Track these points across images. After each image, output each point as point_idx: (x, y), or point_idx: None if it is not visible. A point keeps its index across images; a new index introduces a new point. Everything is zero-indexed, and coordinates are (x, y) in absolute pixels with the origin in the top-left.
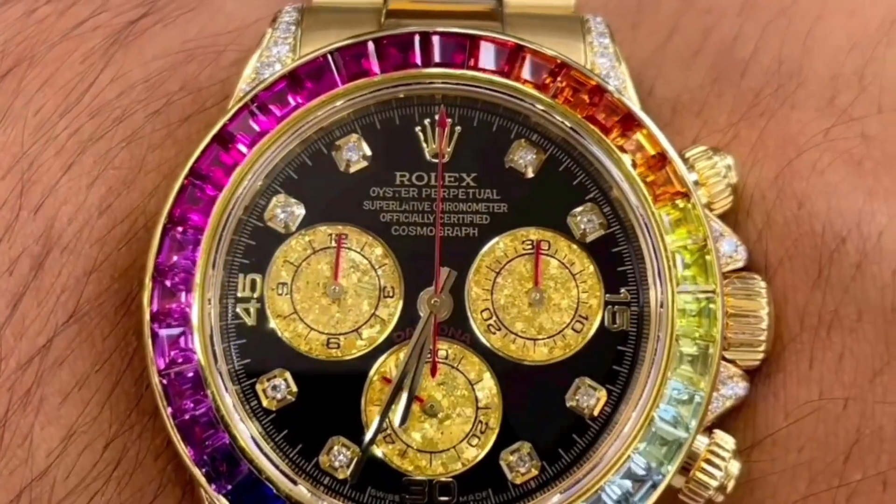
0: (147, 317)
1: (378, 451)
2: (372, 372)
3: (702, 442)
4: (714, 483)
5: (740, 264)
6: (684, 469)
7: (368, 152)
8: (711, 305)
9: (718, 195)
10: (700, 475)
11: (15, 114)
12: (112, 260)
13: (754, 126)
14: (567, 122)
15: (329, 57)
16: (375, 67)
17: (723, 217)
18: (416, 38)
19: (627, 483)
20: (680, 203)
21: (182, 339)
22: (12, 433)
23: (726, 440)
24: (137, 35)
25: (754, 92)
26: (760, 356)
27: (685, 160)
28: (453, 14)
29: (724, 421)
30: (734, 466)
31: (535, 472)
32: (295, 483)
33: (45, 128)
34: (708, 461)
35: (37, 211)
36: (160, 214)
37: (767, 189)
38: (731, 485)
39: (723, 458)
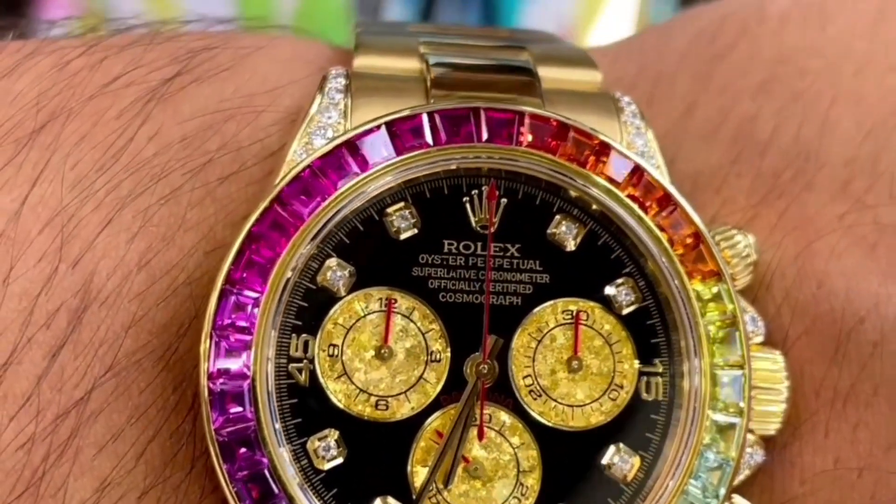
0: (204, 378)
1: None
2: (420, 433)
3: None
4: None
5: (759, 339)
6: None
7: (418, 220)
8: (741, 378)
9: (739, 273)
10: None
11: (53, 168)
12: (151, 315)
13: (773, 207)
14: (608, 198)
15: (384, 128)
16: (429, 139)
17: (741, 293)
18: (468, 114)
19: None
20: (711, 281)
21: (239, 397)
22: (47, 484)
23: None
24: (173, 93)
25: (773, 173)
26: (777, 426)
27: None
28: (495, 85)
29: (741, 488)
30: None
31: None
32: None
33: (83, 183)
34: None
35: (75, 265)
36: (218, 274)
37: (787, 268)
38: None
39: None
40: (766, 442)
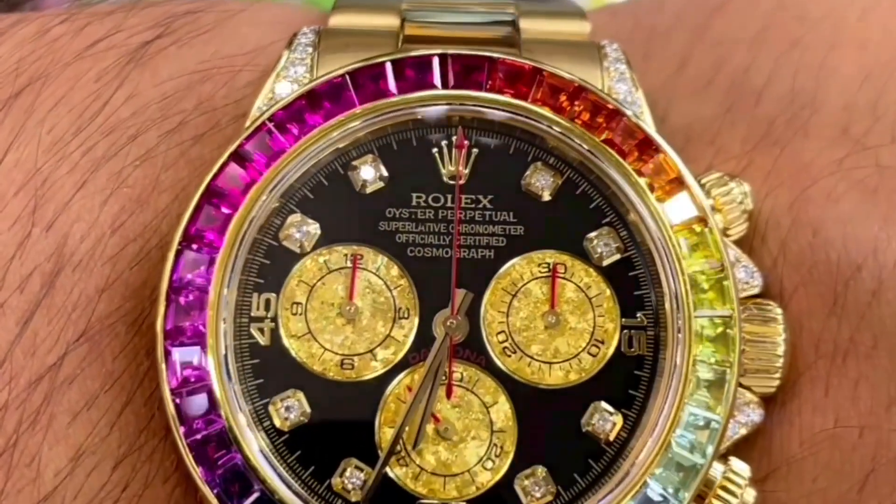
0: (160, 335)
1: (391, 474)
2: (387, 393)
3: (717, 469)
4: None
5: (756, 291)
6: (699, 497)
7: (385, 173)
8: (729, 331)
9: (734, 221)
10: (716, 503)
11: (28, 132)
12: (124, 279)
13: (768, 154)
14: (584, 145)
15: (347, 77)
16: (393, 88)
17: (738, 243)
18: (435, 60)
19: None
20: (697, 228)
21: (195, 358)
22: (21, 452)
23: (742, 468)
24: (152, 55)
25: (768, 120)
26: (776, 383)
27: (701, 185)
28: (470, 41)
29: (740, 449)
30: (749, 495)
31: (549, 497)
32: None
33: (58, 146)
34: (724, 488)
35: (49, 228)
36: (175, 232)
37: (782, 216)
38: None
39: (738, 486)
40: (766, 401)
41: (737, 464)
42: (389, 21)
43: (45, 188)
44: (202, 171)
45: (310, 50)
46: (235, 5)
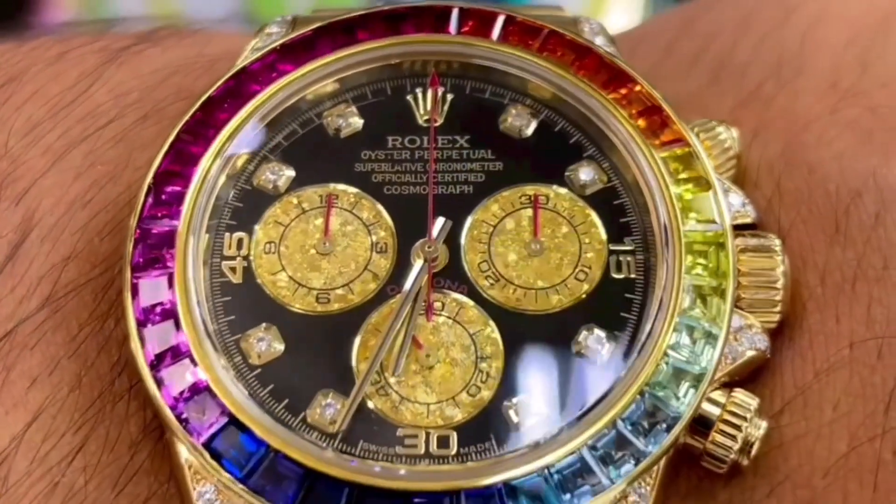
0: (127, 270)
1: (370, 404)
2: (364, 323)
3: (719, 402)
4: (735, 445)
5: (749, 220)
6: (702, 433)
7: (360, 120)
8: (721, 240)
9: (722, 165)
10: (719, 437)
11: (2, 119)
12: (93, 247)
13: (756, 111)
14: (560, 81)
15: (315, 31)
16: (364, 35)
17: None
18: (407, 11)
19: (643, 419)
20: (679, 151)
21: (163, 293)
22: None
23: (746, 398)
24: (134, 54)
25: (755, 85)
26: (777, 317)
27: (690, 128)
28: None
29: (748, 387)
30: (758, 425)
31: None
32: None
33: (34, 131)
34: (726, 421)
35: (18, 202)
36: (148, 169)
37: (775, 161)
38: (756, 445)
39: (743, 418)
40: (774, 337)
41: (740, 394)
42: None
43: (15, 167)
44: None
45: (284, 27)
46: (218, 25)
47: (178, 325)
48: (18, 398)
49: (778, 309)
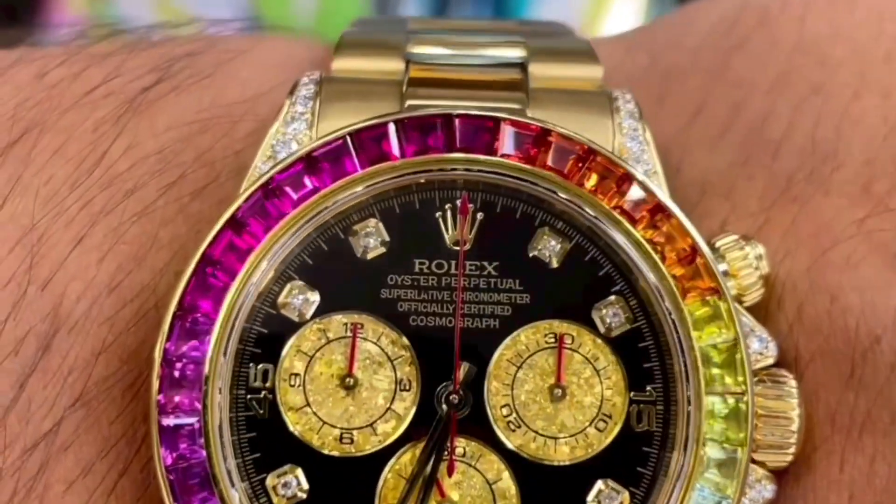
0: (154, 410)
1: None
2: (387, 469)
3: None
4: None
5: (770, 361)
6: None
7: (387, 238)
8: (741, 406)
9: (749, 287)
10: None
11: (25, 184)
12: (121, 341)
13: (786, 211)
14: (593, 212)
15: (348, 139)
16: (396, 151)
17: (754, 306)
18: (439, 122)
19: None
20: (710, 300)
21: (191, 432)
22: None
23: None
24: (150, 103)
25: (786, 175)
26: (790, 458)
27: (715, 250)
28: (477, 84)
29: None
30: None
31: None
32: None
33: (55, 199)
34: None
35: (44, 287)
36: (170, 301)
37: (799, 280)
38: None
39: None
40: (778, 475)
41: None
42: (393, 65)
43: (41, 244)
44: (201, 227)
45: (310, 103)
46: (235, 44)
47: (206, 476)
48: (56, 503)
49: (791, 451)
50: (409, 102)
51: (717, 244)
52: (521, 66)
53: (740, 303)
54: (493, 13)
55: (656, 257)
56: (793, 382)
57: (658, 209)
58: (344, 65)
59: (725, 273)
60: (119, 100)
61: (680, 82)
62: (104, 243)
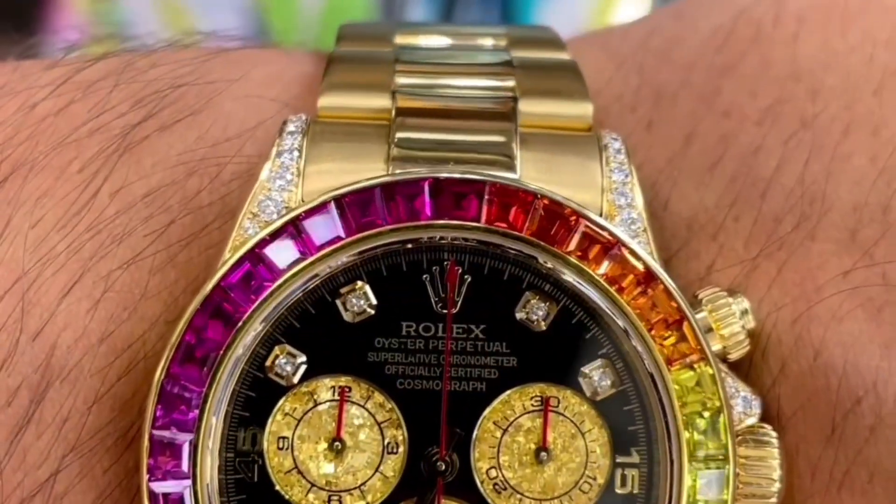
0: (144, 472)
1: None
2: None
3: None
4: None
5: (753, 420)
6: None
7: (374, 301)
8: (724, 471)
9: (734, 343)
10: None
11: (14, 228)
12: (113, 392)
13: (773, 259)
14: (579, 279)
15: (333, 205)
16: (382, 217)
17: (738, 361)
18: (426, 186)
19: None
20: (696, 367)
21: (180, 498)
22: None
23: None
24: (137, 142)
25: (774, 217)
26: None
27: (699, 301)
28: (466, 114)
29: None
30: None
31: None
32: None
33: (45, 244)
34: None
35: (36, 337)
36: (157, 367)
37: (784, 333)
38: None
39: None
40: None
41: None
42: (380, 103)
43: (32, 292)
44: (192, 276)
45: (295, 153)
46: (221, 71)
47: None
48: None
49: (773, 501)
50: (397, 135)
51: (701, 296)
52: (506, 112)
53: (725, 359)
54: (501, 13)
55: (641, 325)
56: (775, 442)
57: (645, 277)
58: (330, 102)
59: (709, 330)
60: (105, 138)
61: (670, 106)
62: (94, 291)
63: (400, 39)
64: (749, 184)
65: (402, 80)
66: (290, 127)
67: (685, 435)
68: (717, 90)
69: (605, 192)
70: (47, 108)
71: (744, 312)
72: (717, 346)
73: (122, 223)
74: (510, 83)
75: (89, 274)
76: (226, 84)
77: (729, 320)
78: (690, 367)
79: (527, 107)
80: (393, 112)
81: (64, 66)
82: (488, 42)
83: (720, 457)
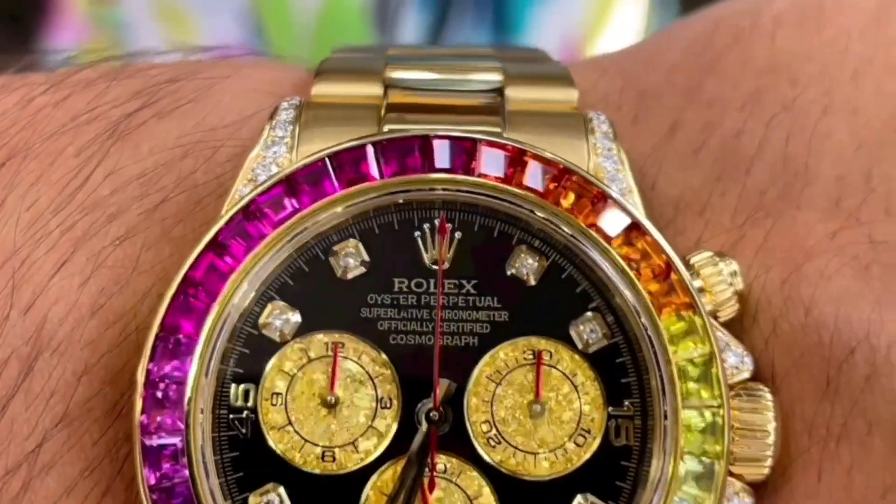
0: (137, 430)
1: None
2: (368, 486)
3: None
4: None
5: (746, 375)
6: None
7: (367, 258)
8: (718, 419)
9: (724, 303)
10: None
11: (8, 209)
12: (104, 363)
13: (760, 227)
14: (569, 230)
15: (327, 161)
16: (375, 172)
17: (729, 322)
18: (417, 144)
19: None
20: (685, 315)
21: (174, 452)
22: None
23: None
24: (133, 129)
25: (759, 190)
26: (766, 470)
27: (689, 266)
28: (454, 109)
29: None
30: None
31: None
32: None
33: (38, 224)
34: None
35: (27, 311)
36: (152, 322)
37: (774, 295)
38: None
39: None
40: (756, 487)
41: None
42: (372, 90)
43: (24, 269)
44: (184, 250)
45: (290, 128)
46: (217, 70)
47: (190, 495)
48: None
49: (768, 464)
50: (387, 127)
51: (692, 261)
52: (499, 90)
53: (715, 318)
54: (493, 27)
55: (632, 274)
56: (769, 396)
57: (633, 227)
58: (323, 90)
59: (700, 290)
60: (102, 126)
61: (654, 102)
62: (86, 267)
63: (394, 52)
64: (733, 163)
65: (393, 74)
66: (285, 105)
67: (678, 384)
68: (699, 85)
69: (591, 156)
70: (45, 100)
71: (732, 274)
72: (707, 308)
73: (116, 202)
74: (497, 76)
75: (82, 251)
76: (221, 80)
77: (716, 278)
78: (680, 315)
79: (513, 93)
80: (384, 107)
81: (63, 67)
82: (477, 52)
83: (714, 405)
